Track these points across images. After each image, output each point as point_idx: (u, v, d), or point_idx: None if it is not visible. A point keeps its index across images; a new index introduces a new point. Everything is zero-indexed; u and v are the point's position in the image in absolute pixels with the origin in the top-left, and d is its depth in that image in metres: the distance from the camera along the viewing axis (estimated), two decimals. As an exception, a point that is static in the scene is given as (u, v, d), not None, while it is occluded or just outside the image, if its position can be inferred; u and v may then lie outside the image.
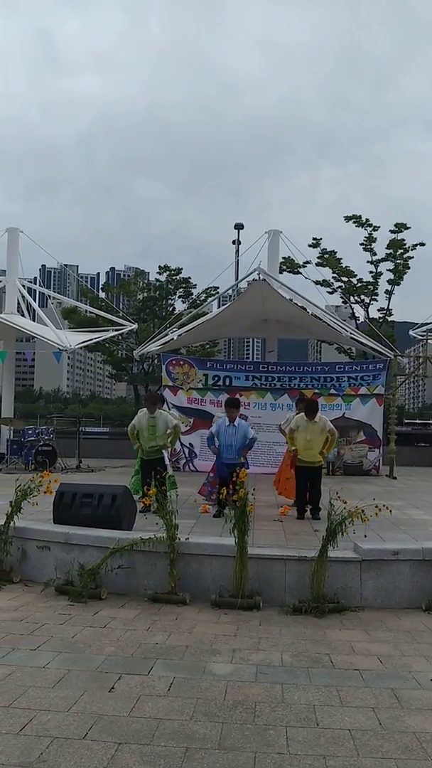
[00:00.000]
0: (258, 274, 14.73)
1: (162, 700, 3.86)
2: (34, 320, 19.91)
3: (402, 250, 27.18)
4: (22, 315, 19.05)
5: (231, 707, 3.79)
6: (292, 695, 3.99)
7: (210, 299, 26.56)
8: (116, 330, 21.07)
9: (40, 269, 30.22)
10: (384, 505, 5.87)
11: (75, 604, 5.79)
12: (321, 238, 27.91)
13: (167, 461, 9.20)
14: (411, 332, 17.15)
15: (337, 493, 6.12)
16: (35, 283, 22.55)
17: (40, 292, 22.37)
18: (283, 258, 22.06)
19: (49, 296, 25.20)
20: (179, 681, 4.16)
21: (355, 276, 27.79)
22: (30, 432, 16.21)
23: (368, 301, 28.26)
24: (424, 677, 4.29)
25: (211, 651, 4.72)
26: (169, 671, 4.32)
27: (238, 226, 26.23)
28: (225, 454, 8.79)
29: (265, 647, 4.83)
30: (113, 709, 3.72)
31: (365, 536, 6.18)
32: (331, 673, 4.36)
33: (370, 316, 27.91)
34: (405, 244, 27.17)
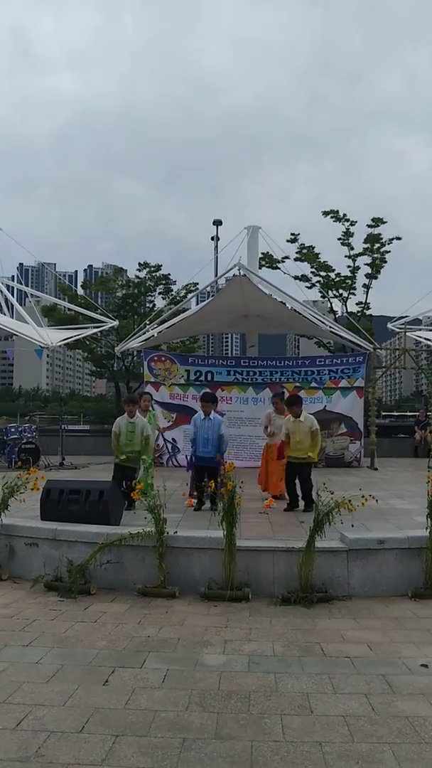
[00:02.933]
0: (238, 270, 14.75)
1: (157, 692, 3.88)
2: (12, 318, 19.73)
3: (379, 245, 27.37)
4: (2, 313, 18.86)
5: (225, 697, 3.83)
6: (286, 684, 4.03)
7: (190, 295, 26.53)
8: (97, 327, 20.95)
9: (17, 267, 29.90)
10: (371, 495, 5.93)
11: (65, 600, 5.78)
12: (299, 234, 27.99)
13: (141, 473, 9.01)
14: (389, 325, 17.30)
15: (324, 484, 6.17)
16: (13, 281, 22.34)
17: (18, 289, 22.17)
18: (262, 253, 22.11)
19: (28, 294, 24.98)
20: (173, 673, 4.18)
21: (333, 270, 27.91)
22: (13, 430, 16.11)
23: (346, 296, 28.42)
24: (414, 663, 4.36)
25: (203, 643, 4.75)
26: (163, 664, 4.34)
27: (217, 222, 26.18)
28: (201, 447, 8.81)
29: (256, 638, 4.87)
30: (108, 702, 3.74)
31: (352, 526, 6.25)
32: (322, 662, 4.42)
33: (349, 310, 28.10)
34: (382, 239, 27.36)
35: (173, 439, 15.51)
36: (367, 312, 28.54)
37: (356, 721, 3.54)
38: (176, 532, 6.22)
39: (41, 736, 3.30)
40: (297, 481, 8.74)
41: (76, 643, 4.71)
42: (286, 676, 4.15)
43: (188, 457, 10.20)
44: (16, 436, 15.70)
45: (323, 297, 29.03)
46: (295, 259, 27.10)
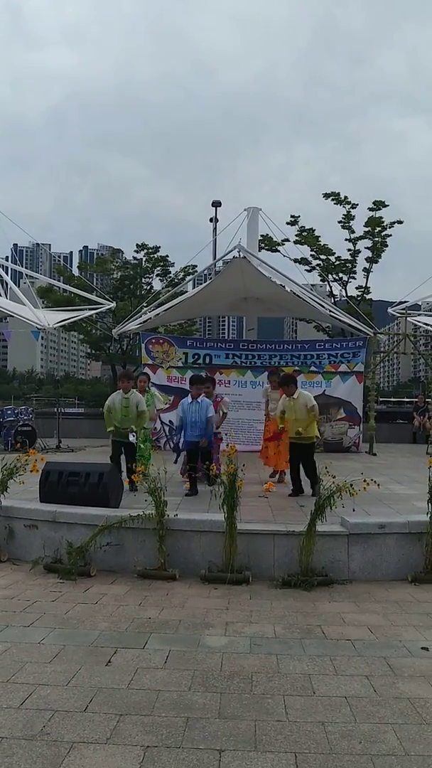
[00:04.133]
0: (238, 252, 14.66)
1: (159, 673, 3.90)
2: (7, 299, 19.59)
3: (380, 228, 27.19)
4: (-2, 294, 18.73)
5: (228, 678, 3.84)
6: (287, 665, 4.05)
7: (188, 278, 26.38)
8: (93, 309, 20.84)
9: (12, 248, 29.64)
10: (372, 480, 5.94)
11: (65, 582, 5.79)
12: (299, 216, 27.80)
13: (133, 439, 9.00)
14: (390, 310, 17.22)
15: (326, 467, 6.17)
16: (8, 261, 22.16)
17: (13, 270, 22.00)
18: (262, 236, 21.96)
19: (23, 274, 24.81)
20: (175, 654, 4.19)
21: (333, 254, 27.77)
22: (9, 412, 16.08)
23: (346, 279, 28.30)
24: (415, 645, 4.39)
25: (204, 624, 4.77)
26: (164, 645, 4.35)
27: (216, 204, 25.98)
28: (189, 431, 8.77)
29: (257, 620, 4.89)
30: (111, 682, 3.75)
31: (353, 510, 6.26)
32: (323, 644, 4.44)
33: (348, 294, 28.01)
34: (383, 222, 27.18)
35: (170, 421, 15.47)
36: (367, 296, 28.44)
37: (358, 702, 3.56)
38: (176, 514, 6.23)
39: (46, 715, 3.31)
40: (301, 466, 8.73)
41: (78, 624, 4.72)
42: (288, 658, 4.17)
43: (175, 442, 10.07)
44: (12, 419, 15.68)
45: (323, 280, 28.90)
46: (295, 242, 26.94)
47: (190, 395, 9.01)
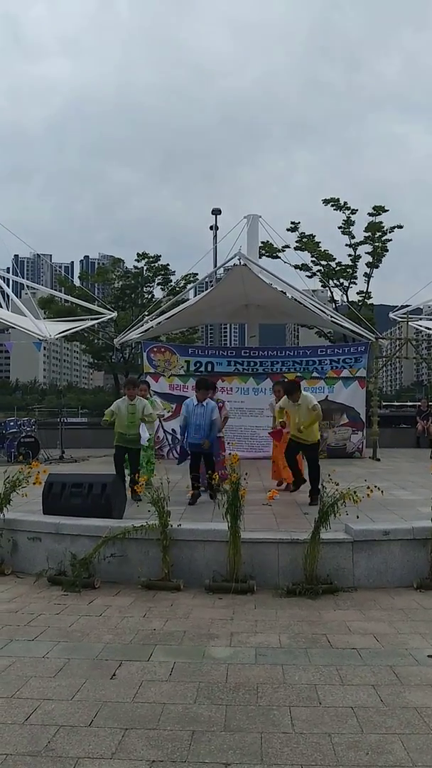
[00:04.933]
0: (238, 259, 14.68)
1: (164, 685, 3.88)
2: (8, 310, 19.64)
3: (380, 233, 27.25)
4: (-1, 306, 18.79)
5: (233, 690, 3.82)
6: (293, 676, 4.03)
7: (189, 286, 26.42)
8: (95, 319, 20.89)
9: (13, 259, 29.71)
10: (376, 486, 5.92)
11: (69, 594, 5.77)
12: (299, 222, 27.88)
13: (144, 441, 9.07)
14: (391, 314, 17.24)
15: (329, 475, 6.16)
16: (9, 273, 22.23)
17: (14, 281, 22.06)
18: (262, 243, 22.00)
19: (25, 286, 24.87)
20: (180, 666, 4.17)
21: (334, 259, 27.82)
22: (11, 424, 16.10)
23: (347, 285, 28.32)
24: (421, 654, 4.36)
25: (209, 635, 4.75)
26: (169, 656, 4.33)
27: (216, 212, 26.03)
28: (193, 433, 8.79)
29: (263, 630, 4.86)
30: (116, 695, 3.73)
31: (357, 517, 6.23)
32: (329, 653, 4.41)
33: (350, 300, 28.01)
34: (383, 227, 27.24)
35: (173, 429, 15.46)
36: (368, 301, 28.45)
37: (365, 712, 3.53)
38: (180, 524, 6.21)
39: (51, 731, 3.29)
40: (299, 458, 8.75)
41: (82, 637, 4.70)
42: (294, 668, 4.14)
43: (178, 449, 10.09)
44: (15, 430, 15.69)
45: (324, 286, 28.93)
46: (296, 248, 26.98)
47: (195, 397, 9.00)
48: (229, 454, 7.11)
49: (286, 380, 11.81)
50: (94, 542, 6.15)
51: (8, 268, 25.67)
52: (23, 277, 26.48)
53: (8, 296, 19.08)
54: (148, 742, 3.18)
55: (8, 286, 19.70)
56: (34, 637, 4.70)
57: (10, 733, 3.27)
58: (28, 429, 16.07)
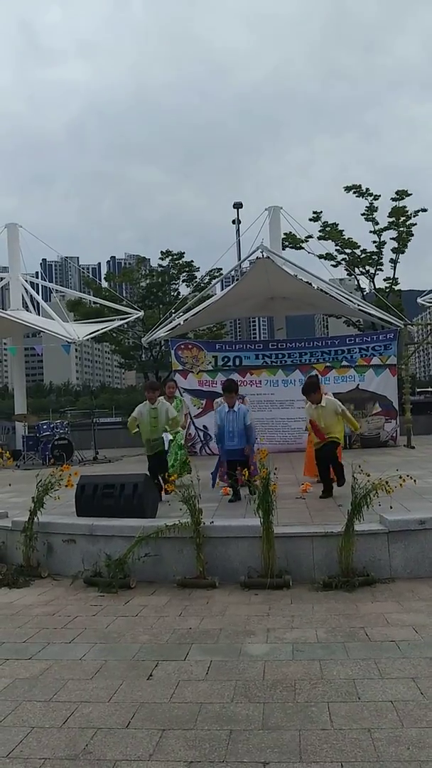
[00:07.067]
0: (261, 252, 14.61)
1: (201, 685, 3.86)
2: (39, 315, 19.90)
3: (404, 218, 26.84)
4: (27, 310, 19.02)
5: (271, 687, 3.79)
6: (331, 671, 3.98)
7: (214, 281, 26.39)
8: (123, 319, 21.03)
9: (41, 263, 30.08)
10: (408, 475, 5.82)
11: (105, 595, 5.80)
12: (321, 212, 27.61)
13: (167, 445, 9.07)
14: (419, 300, 16.98)
15: (359, 466, 6.07)
16: (37, 278, 22.51)
17: (43, 286, 22.33)
18: (285, 234, 21.85)
19: (53, 290, 25.18)
20: (216, 664, 4.15)
21: (359, 247, 27.48)
22: (45, 427, 16.30)
23: (373, 272, 27.98)
24: (462, 644, 4.27)
25: (246, 632, 4.72)
26: (206, 655, 4.31)
27: (237, 205, 25.93)
28: (227, 441, 8.75)
29: (299, 625, 4.82)
30: (153, 696, 3.73)
31: (390, 507, 6.14)
32: (367, 646, 4.35)
33: (376, 287, 27.66)
34: (407, 212, 26.82)
35: (204, 426, 15.48)
36: (396, 287, 28.07)
37: (404, 705, 3.47)
38: (212, 521, 6.20)
39: (88, 733, 3.30)
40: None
41: (119, 638, 4.72)
42: (331, 663, 4.09)
43: (212, 472, 10.03)
44: (48, 433, 15.87)
45: (349, 275, 28.64)
46: (319, 238, 26.72)
47: (225, 404, 8.95)
48: (258, 448, 7.05)
49: (316, 374, 11.68)
50: (128, 542, 6.17)
51: (37, 273, 26.00)
52: (52, 281, 26.84)
53: (38, 303, 19.32)
54: (186, 743, 3.17)
55: (37, 291, 19.94)
56: (71, 639, 4.73)
57: (48, 737, 3.29)
58: (61, 431, 16.25)
